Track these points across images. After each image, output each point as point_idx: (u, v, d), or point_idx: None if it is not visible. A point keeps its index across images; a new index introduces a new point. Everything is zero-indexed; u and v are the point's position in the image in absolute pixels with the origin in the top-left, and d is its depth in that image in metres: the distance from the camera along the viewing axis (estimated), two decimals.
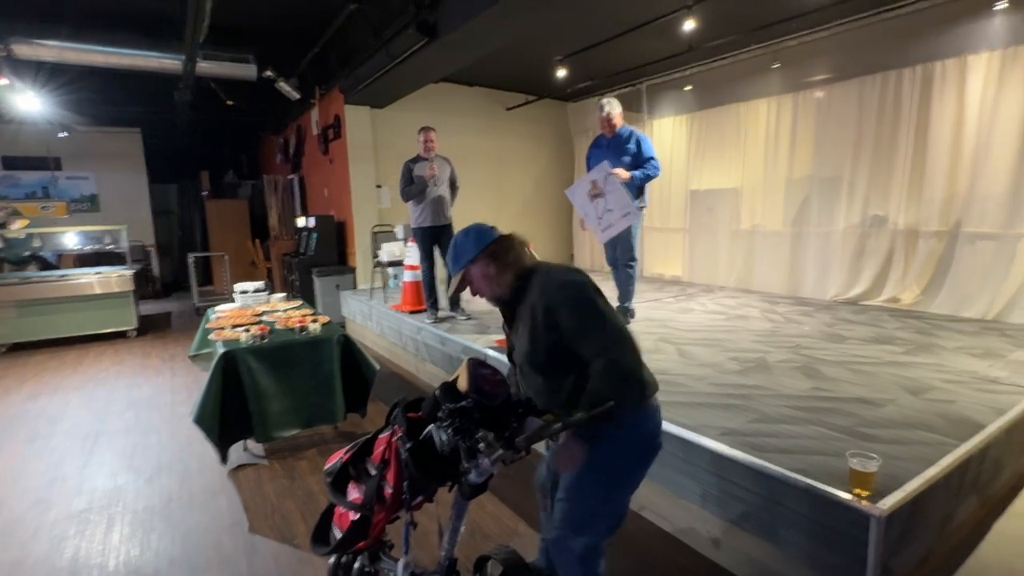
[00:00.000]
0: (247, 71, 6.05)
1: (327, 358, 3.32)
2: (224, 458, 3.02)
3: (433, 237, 4.62)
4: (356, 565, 1.72)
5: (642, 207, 4.16)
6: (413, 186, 4.47)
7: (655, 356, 3.44)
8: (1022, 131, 4.02)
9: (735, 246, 6.12)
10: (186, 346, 5.58)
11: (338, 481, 1.55)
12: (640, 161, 4.17)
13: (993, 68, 4.12)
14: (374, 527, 1.47)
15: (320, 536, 1.60)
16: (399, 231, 6.34)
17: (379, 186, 6.94)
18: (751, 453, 2.03)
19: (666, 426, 2.11)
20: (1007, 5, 4.06)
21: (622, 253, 4.28)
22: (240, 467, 3.13)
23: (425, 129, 4.53)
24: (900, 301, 4.72)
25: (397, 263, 5.65)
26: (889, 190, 4.75)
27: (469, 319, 4.68)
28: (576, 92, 7.73)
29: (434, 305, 4.73)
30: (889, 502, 1.67)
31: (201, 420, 2.91)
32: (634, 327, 4.26)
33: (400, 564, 1.58)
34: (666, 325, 4.34)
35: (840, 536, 1.72)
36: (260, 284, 4.61)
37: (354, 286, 6.83)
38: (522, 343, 1.57)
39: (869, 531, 1.63)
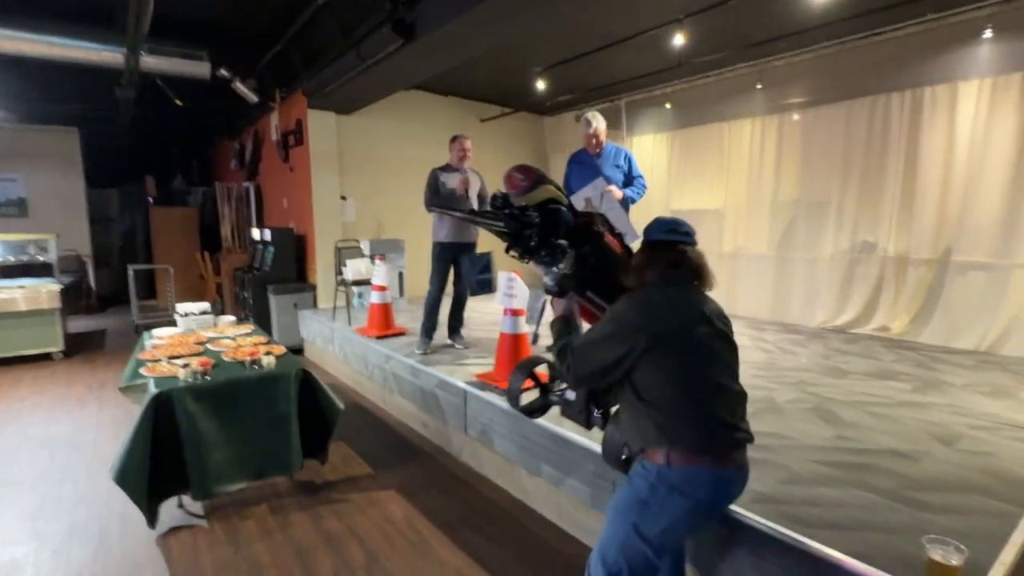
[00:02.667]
0: (199, 69, 5.52)
1: (282, 397, 2.86)
2: (152, 520, 2.51)
3: (453, 255, 4.14)
4: None
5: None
6: (440, 196, 3.99)
7: None
8: (1014, 160, 3.96)
9: (718, 269, 5.80)
10: (119, 371, 4.93)
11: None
12: (630, 180, 3.92)
13: (984, 95, 4.06)
14: None
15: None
16: (365, 247, 5.89)
17: (344, 198, 6.47)
18: (796, 529, 1.71)
19: None
20: (992, 35, 4.02)
21: None
22: (173, 530, 2.62)
23: (460, 138, 4.11)
24: (889, 330, 4.59)
25: (364, 282, 5.20)
26: (878, 216, 4.64)
27: (467, 348, 4.24)
28: (553, 106, 7.50)
29: (429, 333, 4.22)
30: None
31: (124, 478, 2.40)
32: None
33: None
34: None
35: None
36: (205, 306, 4.09)
37: (314, 305, 6.30)
38: None
39: None
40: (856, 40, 4.66)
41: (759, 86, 5.51)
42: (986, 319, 4.12)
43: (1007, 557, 1.60)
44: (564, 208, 1.85)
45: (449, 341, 4.32)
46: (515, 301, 3.17)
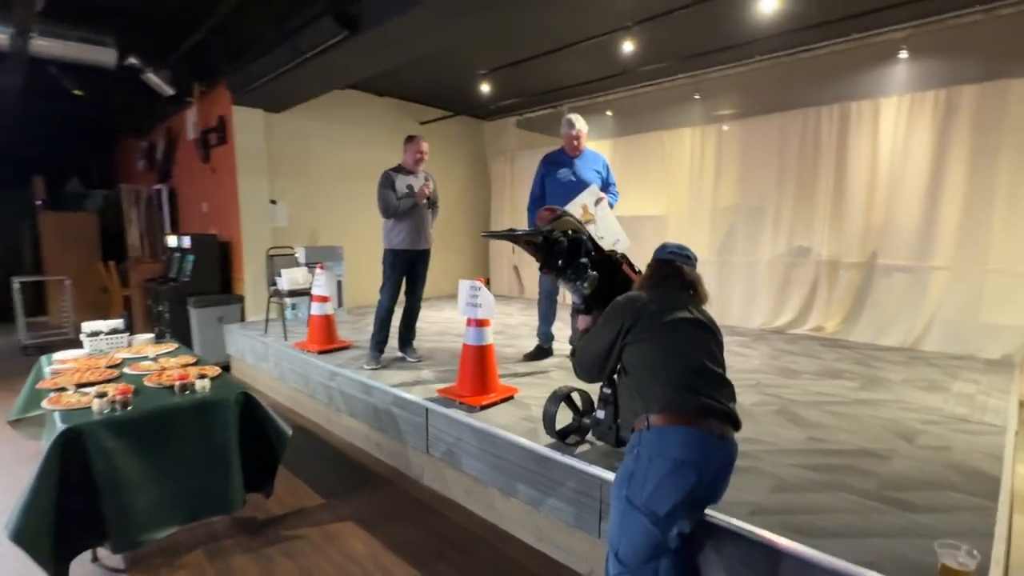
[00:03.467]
0: (103, 56, 4.91)
1: (221, 425, 2.51)
2: None
3: (409, 263, 3.88)
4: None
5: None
6: (402, 201, 3.73)
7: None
8: (929, 171, 4.30)
9: None
10: (3, 400, 4.22)
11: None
12: (606, 186, 3.91)
13: (903, 111, 4.39)
14: None
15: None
16: (300, 255, 5.47)
17: (274, 202, 6.00)
18: (804, 541, 1.67)
19: None
20: (908, 55, 4.37)
21: None
22: None
23: (417, 139, 3.87)
24: (824, 330, 4.85)
25: (301, 293, 4.81)
26: (812, 222, 4.90)
27: (420, 360, 3.98)
28: (494, 111, 7.39)
29: (380, 347, 3.93)
30: None
31: (22, 535, 1.98)
32: None
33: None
34: None
35: None
36: (117, 322, 3.57)
37: (242, 318, 5.78)
38: None
39: None
40: (787, 56, 4.91)
41: (697, 96, 5.70)
42: (909, 317, 4.44)
43: (998, 553, 1.63)
44: (584, 238, 2.34)
45: (400, 354, 4.07)
46: (481, 311, 2.99)
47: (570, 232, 2.32)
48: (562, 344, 4.23)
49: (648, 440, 1.61)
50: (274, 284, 4.94)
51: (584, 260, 2.25)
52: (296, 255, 5.39)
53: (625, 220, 6.35)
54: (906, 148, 4.39)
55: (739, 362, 3.99)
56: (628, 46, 4.60)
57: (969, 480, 2.12)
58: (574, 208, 3.60)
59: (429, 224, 3.89)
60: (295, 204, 6.20)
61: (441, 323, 5.67)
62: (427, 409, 3.02)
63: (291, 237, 6.00)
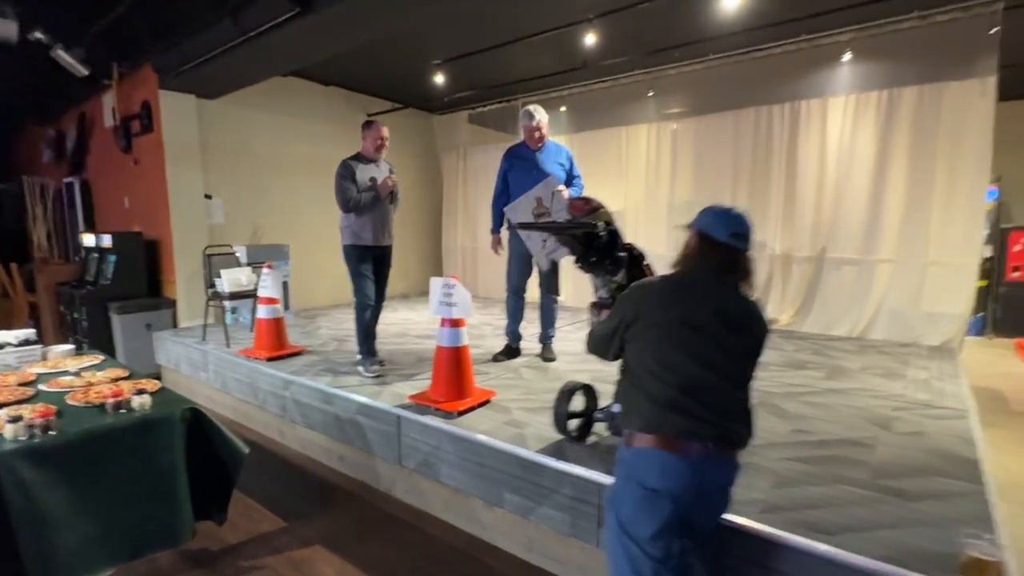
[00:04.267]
0: (2, 29, 4.29)
1: (165, 447, 2.20)
2: None
3: (373, 260, 3.59)
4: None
5: None
6: (364, 195, 3.42)
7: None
8: (873, 168, 4.50)
9: None
10: None
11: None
12: (570, 179, 3.79)
13: (849, 110, 4.58)
14: None
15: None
16: (241, 254, 5.05)
17: (209, 196, 5.50)
18: (819, 539, 1.62)
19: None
20: (852, 57, 4.57)
21: (552, 283, 3.80)
22: None
23: (377, 124, 3.58)
24: (778, 322, 4.99)
25: (244, 295, 4.41)
26: (766, 217, 5.03)
27: (383, 365, 3.71)
28: (445, 104, 7.16)
29: (372, 349, 3.64)
30: None
31: None
32: (558, 366, 3.77)
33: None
34: (589, 360, 3.90)
35: None
36: (28, 332, 3.11)
37: (174, 324, 5.26)
38: None
39: None
40: (741, 55, 5.01)
41: (651, 93, 5.74)
42: (857, 308, 4.65)
43: (1005, 538, 1.65)
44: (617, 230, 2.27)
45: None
46: (456, 310, 2.80)
47: (607, 224, 2.22)
48: (531, 343, 4.10)
49: (626, 460, 1.51)
50: (213, 286, 4.51)
51: (622, 253, 2.19)
52: (237, 254, 4.96)
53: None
54: (852, 146, 4.59)
55: None
56: (590, 39, 4.53)
57: (951, 465, 2.18)
58: (525, 201, 3.51)
59: (392, 218, 3.64)
60: (233, 199, 5.73)
61: (398, 324, 5.41)
62: (399, 417, 2.80)
63: (230, 235, 5.53)
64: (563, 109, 6.55)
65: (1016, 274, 6.23)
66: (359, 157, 3.52)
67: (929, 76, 4.26)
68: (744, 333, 1.52)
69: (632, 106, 5.89)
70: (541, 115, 3.66)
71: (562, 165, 3.79)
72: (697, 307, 1.51)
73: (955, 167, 4.19)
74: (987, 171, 4.09)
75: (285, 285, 5.35)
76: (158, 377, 4.94)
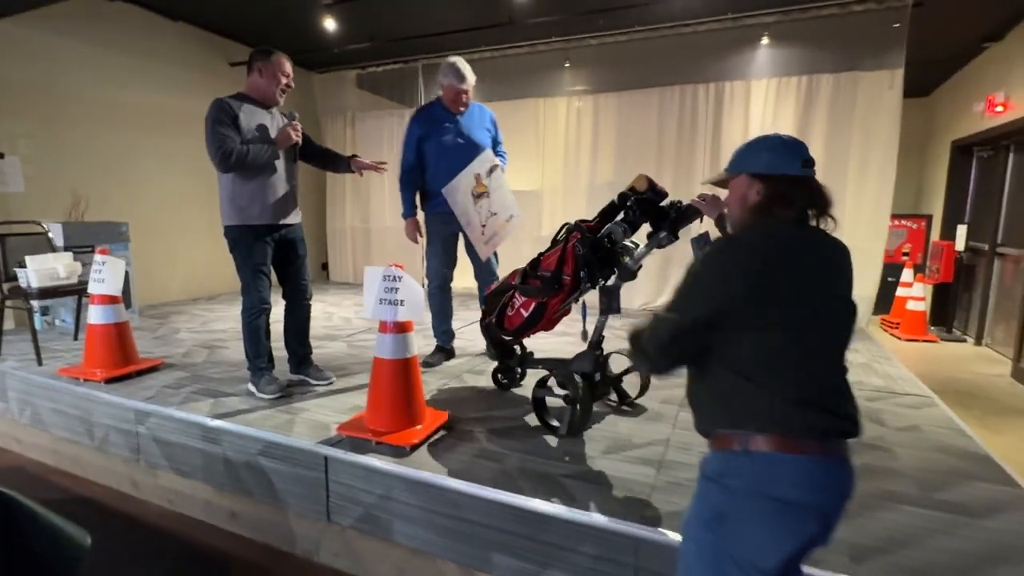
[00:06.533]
0: None
1: None
2: None
3: (277, 245, 2.66)
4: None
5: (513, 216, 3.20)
6: (254, 147, 2.46)
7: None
8: None
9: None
10: None
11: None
12: (495, 146, 3.22)
13: (771, 94, 4.57)
14: (551, 310, 2.32)
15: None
16: (56, 234, 3.73)
17: None
18: None
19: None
20: (775, 41, 4.56)
21: (487, 270, 3.20)
22: None
23: (279, 55, 2.55)
24: None
25: (64, 291, 3.19)
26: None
27: (331, 382, 2.86)
28: (329, 60, 6.09)
29: (266, 361, 2.73)
30: None
31: None
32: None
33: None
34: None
35: None
36: None
37: None
38: None
39: None
40: (665, 29, 4.78)
41: (567, 64, 5.35)
42: None
43: None
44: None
45: (297, 377, 2.89)
46: (403, 310, 2.10)
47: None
48: (467, 341, 3.49)
49: (745, 469, 1.11)
50: (12, 279, 3.21)
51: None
52: (49, 235, 3.61)
53: None
54: (774, 129, 4.57)
55: None
56: None
57: (971, 464, 2.04)
58: (465, 179, 2.95)
59: (297, 185, 2.75)
60: (40, 159, 4.23)
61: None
62: (326, 458, 2.05)
63: (36, 208, 4.07)
64: None
65: None
66: (243, 97, 2.56)
67: (845, 64, 4.36)
68: (848, 286, 1.20)
69: (549, 77, 5.45)
70: (471, 75, 3.01)
71: (488, 131, 3.23)
72: (826, 269, 1.17)
73: (866, 156, 4.36)
74: (893, 160, 4.29)
75: (127, 276, 4.10)
76: None
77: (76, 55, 4.41)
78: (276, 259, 2.68)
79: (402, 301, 2.09)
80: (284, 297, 2.82)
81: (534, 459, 2.02)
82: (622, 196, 2.26)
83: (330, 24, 4.78)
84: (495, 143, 3.25)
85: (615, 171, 5.24)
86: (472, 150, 3.02)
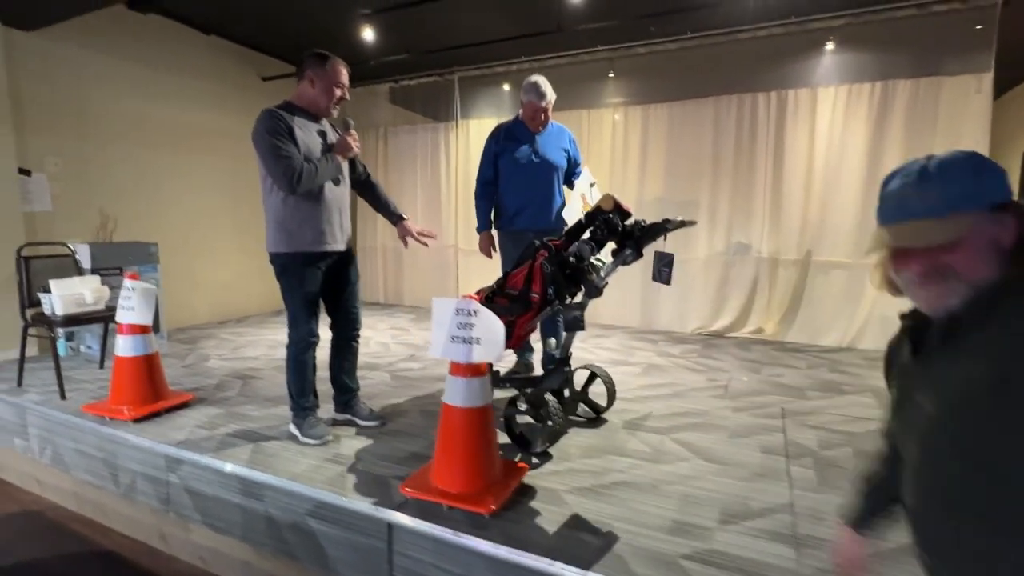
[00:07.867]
0: None
1: None
2: None
3: (329, 273, 2.39)
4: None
5: None
6: (322, 163, 2.22)
7: (646, 465, 2.15)
8: (865, 164, 4.20)
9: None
10: None
11: None
12: (574, 167, 3.22)
13: (840, 102, 4.23)
14: (519, 328, 2.27)
15: None
16: (84, 256, 3.52)
17: (25, 172, 3.81)
18: None
19: None
20: (844, 46, 4.24)
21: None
22: None
23: (336, 61, 2.30)
24: (764, 332, 4.56)
25: (91, 318, 2.95)
26: (751, 216, 4.57)
27: (382, 424, 2.57)
28: (364, 74, 5.89)
29: (311, 402, 2.44)
30: None
31: None
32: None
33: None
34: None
35: None
36: None
37: None
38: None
39: None
40: (721, 36, 4.48)
41: (611, 74, 5.09)
42: (846, 316, 4.33)
43: None
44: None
45: (343, 417, 2.60)
46: (478, 350, 1.79)
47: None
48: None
49: None
50: (36, 304, 2.98)
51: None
52: (76, 257, 3.40)
53: None
54: (843, 140, 4.24)
55: (726, 379, 3.37)
56: None
57: None
58: (576, 202, 2.98)
59: (348, 205, 2.50)
60: (67, 177, 4.05)
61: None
62: (390, 525, 1.73)
63: (62, 228, 3.88)
64: (506, 87, 5.70)
65: None
66: (291, 108, 2.30)
67: (924, 69, 4.01)
68: None
69: (593, 87, 5.19)
70: (551, 93, 2.96)
71: (566, 151, 3.17)
72: None
73: None
74: None
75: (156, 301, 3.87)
76: None
77: (105, 69, 4.25)
78: (326, 286, 2.41)
79: (478, 339, 1.78)
80: (332, 328, 2.54)
81: (640, 529, 1.69)
82: (589, 215, 2.29)
83: (368, 35, 4.58)
84: (573, 162, 3.20)
85: (665, 186, 4.92)
86: (546, 169, 3.04)
